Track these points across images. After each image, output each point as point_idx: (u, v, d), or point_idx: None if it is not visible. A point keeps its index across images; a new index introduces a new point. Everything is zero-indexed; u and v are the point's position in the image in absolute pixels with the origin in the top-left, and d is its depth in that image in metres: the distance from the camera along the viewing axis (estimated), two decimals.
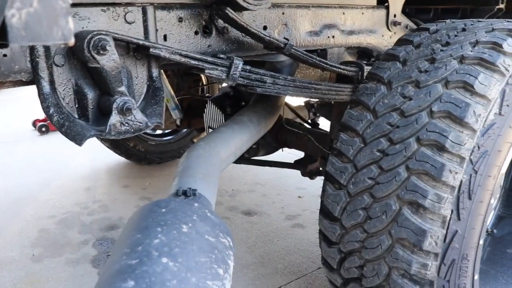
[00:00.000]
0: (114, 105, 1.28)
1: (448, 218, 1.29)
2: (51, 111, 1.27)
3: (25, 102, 6.27)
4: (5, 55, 1.17)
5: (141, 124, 1.36)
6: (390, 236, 1.36)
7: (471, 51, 1.41)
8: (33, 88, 1.29)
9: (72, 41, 0.59)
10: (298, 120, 2.77)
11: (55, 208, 3.53)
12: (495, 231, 2.27)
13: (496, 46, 1.39)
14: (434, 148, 1.30)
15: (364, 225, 1.42)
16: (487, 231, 2.26)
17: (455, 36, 1.53)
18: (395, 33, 2.37)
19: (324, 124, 2.73)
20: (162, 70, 1.68)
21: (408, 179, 1.32)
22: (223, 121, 2.47)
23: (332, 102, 2.29)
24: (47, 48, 1.23)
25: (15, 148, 5.25)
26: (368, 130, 1.46)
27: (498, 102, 1.34)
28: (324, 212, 1.57)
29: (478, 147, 1.30)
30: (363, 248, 1.44)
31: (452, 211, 1.30)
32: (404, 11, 3.38)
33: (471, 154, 1.29)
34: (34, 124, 5.92)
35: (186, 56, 1.39)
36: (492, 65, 1.35)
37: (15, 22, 0.55)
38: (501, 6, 2.71)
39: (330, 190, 1.53)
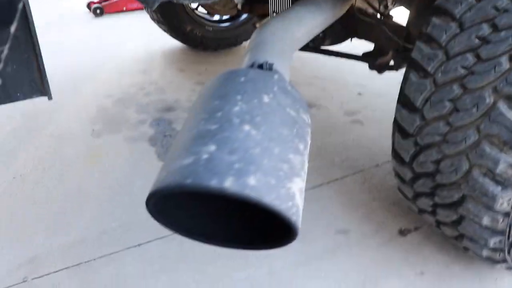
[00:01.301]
0: None
1: None
2: None
3: None
4: None
5: None
6: (478, 132, 1.25)
7: None
8: None
9: None
10: (371, 10, 2.55)
11: (112, 88, 3.56)
12: None
13: None
14: None
15: (449, 117, 1.31)
16: None
17: None
18: None
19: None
20: None
21: (510, 70, 1.18)
22: (290, 5, 2.29)
23: None
24: None
25: (70, 29, 5.23)
26: (467, 14, 1.29)
27: None
28: (404, 101, 1.45)
29: None
30: (444, 142, 1.34)
31: None
32: None
33: None
34: (88, 6, 5.84)
35: None
36: None
37: None
38: None
39: (414, 78, 1.40)
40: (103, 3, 5.66)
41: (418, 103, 1.39)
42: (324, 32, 2.36)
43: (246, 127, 0.88)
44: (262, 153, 0.84)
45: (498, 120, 1.20)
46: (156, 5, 1.21)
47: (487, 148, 1.24)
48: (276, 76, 1.08)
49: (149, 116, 3.07)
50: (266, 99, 0.97)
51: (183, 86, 3.55)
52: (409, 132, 1.44)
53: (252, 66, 1.23)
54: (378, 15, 2.57)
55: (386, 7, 2.82)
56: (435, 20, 1.37)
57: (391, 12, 2.77)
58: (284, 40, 1.46)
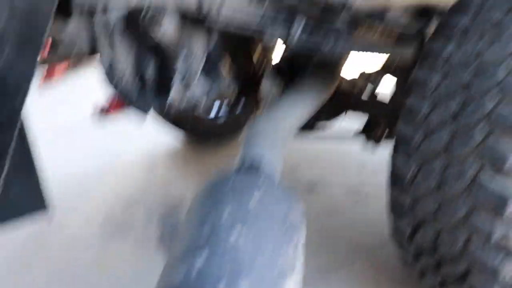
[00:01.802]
0: (174, 78, 1.27)
1: None
2: (114, 82, 1.28)
3: (86, 90, 6.46)
4: (67, 30, 1.18)
5: (199, 96, 1.34)
6: (468, 202, 1.27)
7: None
8: (93, 75, 1.30)
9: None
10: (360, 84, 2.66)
11: (118, 192, 3.63)
12: None
13: None
14: None
15: (437, 191, 1.33)
16: None
17: None
18: None
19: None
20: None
21: (487, 139, 1.22)
22: (282, 92, 2.41)
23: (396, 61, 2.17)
24: (107, 21, 1.22)
25: (76, 134, 5.43)
26: (440, 88, 1.36)
27: None
28: (393, 179, 1.49)
29: None
30: (437, 216, 1.35)
31: None
32: None
33: None
34: (95, 110, 6.09)
35: (244, 21, 1.34)
36: None
37: None
38: None
39: (400, 155, 1.45)
40: (109, 107, 5.89)
41: (407, 180, 1.42)
42: (317, 113, 2.46)
43: (234, 236, 0.91)
44: (252, 261, 0.87)
45: (484, 190, 1.22)
46: (147, 112, 1.30)
47: (479, 218, 1.25)
48: (262, 178, 1.13)
49: (156, 216, 3.10)
50: (252, 203, 1.01)
51: (188, 182, 3.62)
52: (403, 210, 1.46)
53: (242, 165, 1.29)
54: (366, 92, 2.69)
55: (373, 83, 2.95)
56: (413, 94, 1.44)
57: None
58: (273, 134, 1.53)
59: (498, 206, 1.21)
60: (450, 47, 1.38)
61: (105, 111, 5.87)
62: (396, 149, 1.48)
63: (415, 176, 1.40)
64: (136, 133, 5.30)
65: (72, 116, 6.29)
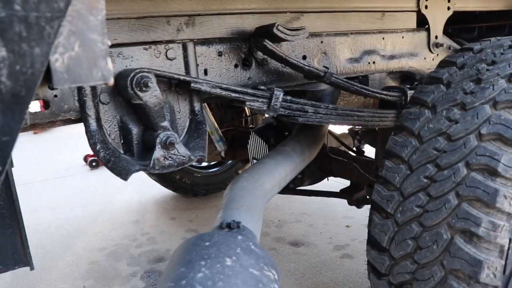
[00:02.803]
0: (158, 140, 1.31)
1: (507, 248, 1.22)
2: (97, 147, 1.31)
3: (77, 138, 6.53)
4: (55, 96, 1.23)
5: (184, 158, 1.38)
6: (443, 267, 1.30)
7: None
8: (79, 122, 1.35)
9: (111, 81, 0.61)
10: (343, 148, 2.74)
11: (105, 241, 3.60)
12: None
13: None
14: (485, 172, 1.24)
15: (414, 255, 1.36)
16: None
17: (502, 54, 1.48)
18: (437, 55, 2.31)
19: (369, 151, 2.68)
20: (205, 103, 1.70)
21: (459, 206, 1.26)
22: (267, 152, 2.47)
23: (376, 128, 2.25)
24: (93, 88, 1.28)
25: (66, 182, 5.45)
26: (414, 156, 1.42)
27: None
28: (372, 242, 1.52)
29: None
30: (414, 280, 1.38)
31: (510, 240, 1.22)
32: (447, 32, 3.32)
33: None
34: (85, 159, 6.14)
35: (226, 89, 1.40)
36: None
37: (58, 66, 0.57)
38: None
39: (377, 219, 1.49)
40: None
41: (385, 243, 1.45)
42: (303, 173, 2.51)
43: None
44: None
45: (458, 255, 1.25)
46: (129, 177, 1.33)
47: (454, 283, 1.27)
48: (240, 237, 1.15)
49: (140, 268, 3.08)
50: (228, 262, 1.04)
51: (174, 234, 3.61)
52: (382, 272, 1.48)
53: (221, 225, 1.32)
54: (351, 152, 2.75)
55: (360, 141, 3.03)
56: (388, 163, 1.50)
57: (364, 147, 2.97)
58: (253, 194, 1.57)
59: (472, 271, 1.23)
60: (423, 118, 1.45)
61: (95, 160, 5.91)
62: (373, 213, 1.52)
63: (392, 239, 1.43)
64: (128, 179, 5.27)
65: (62, 164, 6.32)
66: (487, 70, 1.43)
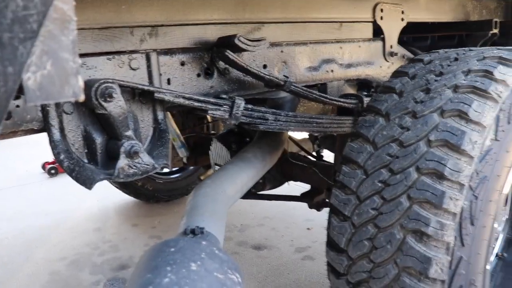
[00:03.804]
0: (122, 149, 1.33)
1: (452, 245, 1.31)
2: (61, 157, 1.32)
3: (35, 145, 6.37)
4: (17, 106, 1.24)
5: (148, 166, 1.41)
6: (396, 265, 1.38)
7: (464, 80, 1.46)
8: (42, 132, 1.35)
9: (82, 97, 0.64)
10: (303, 153, 2.82)
11: (65, 250, 3.55)
12: (505, 255, 2.27)
13: (488, 74, 1.44)
14: (433, 176, 1.33)
15: (370, 255, 1.44)
16: (497, 255, 2.26)
17: (448, 65, 1.58)
18: (392, 63, 2.42)
19: (329, 155, 2.77)
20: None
21: (410, 208, 1.35)
22: (229, 158, 2.52)
23: (335, 134, 2.33)
24: None
25: (25, 191, 5.31)
26: (369, 161, 1.50)
27: (493, 128, 1.37)
28: (331, 244, 1.59)
29: (477, 173, 1.33)
30: (371, 278, 1.45)
31: (455, 237, 1.32)
32: (402, 40, 3.47)
33: (470, 181, 1.32)
34: (43, 166, 6.00)
35: (189, 99, 1.44)
36: (485, 92, 1.39)
37: (31, 84, 0.60)
38: (495, 31, 2.78)
39: (335, 222, 1.56)
40: (57, 164, 5.82)
41: (343, 244, 1.52)
42: (264, 178, 2.57)
43: None
44: None
45: (409, 253, 1.34)
46: (93, 186, 1.35)
47: (407, 279, 1.35)
48: (204, 242, 1.20)
49: (103, 277, 3.05)
50: (194, 267, 1.08)
51: (137, 241, 3.59)
52: (340, 271, 1.55)
53: (185, 231, 1.35)
54: (311, 157, 2.83)
55: (319, 146, 3.12)
56: (345, 168, 1.58)
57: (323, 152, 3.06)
58: (216, 200, 1.61)
59: (422, 268, 1.32)
60: (377, 125, 1.53)
61: (54, 167, 5.79)
62: (332, 216, 1.59)
63: (349, 241, 1.51)
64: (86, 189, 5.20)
65: (19, 172, 6.15)
66: (435, 80, 1.53)
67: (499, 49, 1.59)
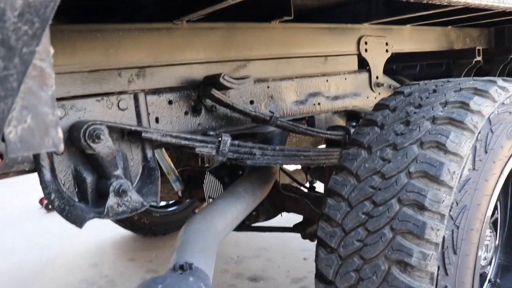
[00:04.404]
0: (111, 188, 1.37)
1: (436, 274, 1.33)
2: (52, 197, 1.36)
3: (32, 179, 6.41)
4: None
5: (137, 204, 1.44)
6: None
7: (441, 112, 1.51)
8: (33, 173, 1.39)
9: (61, 148, 0.69)
10: (295, 184, 2.85)
11: (61, 286, 3.54)
12: (498, 280, 2.27)
13: (464, 105, 1.49)
14: (414, 207, 1.36)
15: (357, 286, 1.46)
16: (490, 281, 2.27)
17: (427, 97, 1.63)
18: (379, 93, 2.48)
19: (322, 186, 2.80)
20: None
21: (393, 239, 1.38)
22: (222, 191, 2.54)
23: (324, 166, 2.37)
24: None
25: (22, 226, 5.31)
26: (352, 194, 1.53)
27: (470, 158, 1.41)
28: (319, 276, 1.60)
29: (457, 203, 1.37)
30: None
31: (438, 267, 1.34)
32: (391, 69, 3.55)
33: (450, 210, 1.35)
34: (41, 201, 6.01)
35: (176, 137, 1.49)
36: (461, 123, 1.44)
37: (12, 137, 0.65)
38: (478, 58, 2.86)
39: (323, 254, 1.58)
40: None
41: (331, 276, 1.54)
42: (257, 210, 2.59)
43: None
44: None
45: (394, 284, 1.36)
46: (84, 224, 1.38)
47: None
48: (191, 279, 1.22)
49: None
50: None
51: (134, 276, 3.58)
52: None
53: (174, 267, 1.38)
54: (303, 188, 2.86)
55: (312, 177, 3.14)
56: (330, 201, 1.61)
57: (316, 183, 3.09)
58: (206, 235, 1.64)
59: None
60: (360, 158, 1.57)
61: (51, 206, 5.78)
62: (319, 248, 1.61)
63: (337, 272, 1.53)
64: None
65: (16, 207, 6.15)
66: (414, 112, 1.58)
67: (474, 80, 1.65)
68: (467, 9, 2.12)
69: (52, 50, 0.66)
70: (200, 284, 1.22)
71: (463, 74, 2.94)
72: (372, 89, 2.46)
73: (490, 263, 2.26)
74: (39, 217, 5.67)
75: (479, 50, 2.86)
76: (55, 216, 5.59)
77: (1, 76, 0.61)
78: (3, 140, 0.65)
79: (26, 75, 0.64)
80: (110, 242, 4.41)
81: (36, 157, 1.32)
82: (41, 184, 1.33)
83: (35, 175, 1.34)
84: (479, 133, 1.44)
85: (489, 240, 2.04)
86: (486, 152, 1.45)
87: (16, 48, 0.62)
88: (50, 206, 5.77)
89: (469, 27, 3.07)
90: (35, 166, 1.33)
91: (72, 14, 1.66)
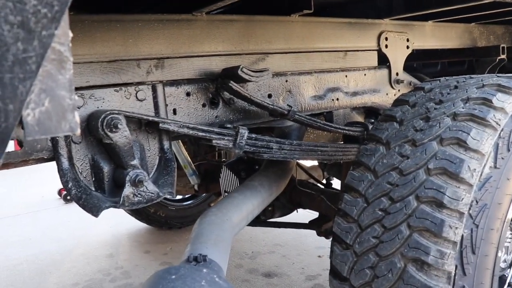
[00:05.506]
0: (127, 178, 1.37)
1: (453, 274, 1.31)
2: (69, 185, 1.37)
3: (51, 170, 6.50)
4: None
5: (153, 195, 1.44)
6: None
7: (463, 108, 1.48)
8: (51, 161, 1.40)
9: (78, 132, 0.69)
10: (312, 180, 2.83)
11: (78, 276, 3.58)
12: None
13: (486, 102, 1.46)
14: (433, 204, 1.34)
15: (372, 284, 1.44)
16: (510, 285, 2.22)
17: (448, 93, 1.60)
18: (399, 90, 2.44)
19: (339, 183, 2.78)
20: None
21: (410, 236, 1.35)
22: (238, 185, 2.54)
23: (341, 162, 2.35)
24: None
25: (40, 216, 5.39)
26: (369, 190, 1.52)
27: (492, 155, 1.38)
28: (334, 272, 1.59)
29: (477, 201, 1.34)
30: None
31: (456, 266, 1.31)
32: (412, 67, 3.49)
33: (469, 209, 1.32)
34: (59, 193, 6.09)
35: (193, 129, 1.49)
36: (483, 120, 1.41)
37: (30, 120, 0.65)
38: (503, 56, 2.79)
39: (338, 250, 1.56)
40: None
41: (345, 272, 1.52)
42: (273, 205, 2.58)
43: None
44: None
45: (410, 282, 1.34)
46: (100, 213, 1.39)
47: None
48: (205, 270, 1.22)
49: None
50: None
51: (149, 268, 3.61)
52: None
53: (188, 258, 1.38)
54: (320, 184, 2.84)
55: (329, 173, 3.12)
56: (346, 196, 1.59)
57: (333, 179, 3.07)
58: (221, 228, 1.63)
59: None
60: (378, 154, 1.55)
61: (69, 197, 5.86)
62: (334, 244, 1.60)
63: (352, 269, 1.51)
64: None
65: (35, 198, 6.25)
66: (435, 108, 1.55)
67: (498, 76, 1.61)
68: (494, 3, 2.07)
69: (71, 34, 0.66)
70: (213, 276, 1.22)
71: (486, 73, 2.88)
72: (391, 86, 2.42)
73: (510, 267, 2.22)
74: (57, 208, 5.75)
75: (503, 48, 2.80)
76: (72, 207, 5.66)
77: (20, 59, 0.62)
78: (22, 125, 0.65)
79: (44, 58, 0.64)
80: (126, 234, 4.45)
81: (55, 145, 1.33)
82: (59, 172, 1.34)
83: (53, 166, 1.35)
84: (502, 130, 1.41)
85: (509, 242, 2.00)
86: (508, 150, 1.41)
87: (35, 31, 0.62)
88: (68, 197, 5.86)
89: (494, 24, 3.01)
90: (53, 154, 1.34)
91: (92, 4, 1.67)
